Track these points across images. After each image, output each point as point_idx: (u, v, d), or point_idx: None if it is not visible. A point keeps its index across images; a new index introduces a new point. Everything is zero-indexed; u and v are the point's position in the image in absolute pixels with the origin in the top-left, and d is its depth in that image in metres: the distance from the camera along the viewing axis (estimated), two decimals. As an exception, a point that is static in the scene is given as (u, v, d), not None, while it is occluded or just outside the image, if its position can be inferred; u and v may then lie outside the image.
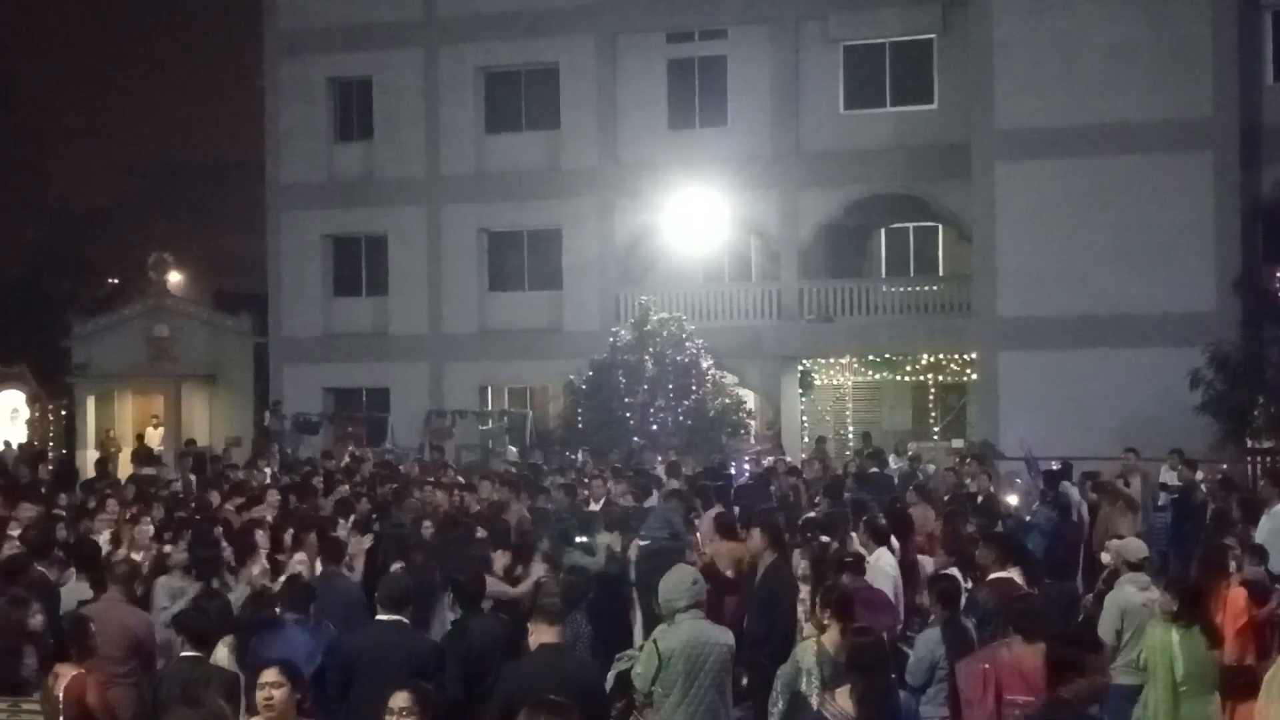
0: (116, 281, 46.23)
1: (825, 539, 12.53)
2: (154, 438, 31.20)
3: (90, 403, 33.45)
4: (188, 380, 33.35)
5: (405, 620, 8.90)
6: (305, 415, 29.81)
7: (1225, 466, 20.83)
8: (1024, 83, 25.69)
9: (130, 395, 34.03)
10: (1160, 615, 9.03)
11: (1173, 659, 8.69)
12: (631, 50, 30.16)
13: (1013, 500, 16.56)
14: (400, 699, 6.40)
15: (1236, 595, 9.80)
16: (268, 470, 20.30)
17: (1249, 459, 22.16)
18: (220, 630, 8.70)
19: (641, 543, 12.65)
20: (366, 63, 31.47)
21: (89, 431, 32.95)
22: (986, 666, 8.29)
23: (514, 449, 24.52)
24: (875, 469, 19.81)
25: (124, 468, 26.34)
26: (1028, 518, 15.35)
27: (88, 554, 11.25)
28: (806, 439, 28.55)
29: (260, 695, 6.83)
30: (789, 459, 22.43)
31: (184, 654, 8.29)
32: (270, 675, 6.86)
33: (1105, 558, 10.87)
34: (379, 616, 8.97)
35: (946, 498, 16.01)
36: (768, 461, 21.96)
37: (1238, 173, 24.97)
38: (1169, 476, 18.72)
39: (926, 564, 12.62)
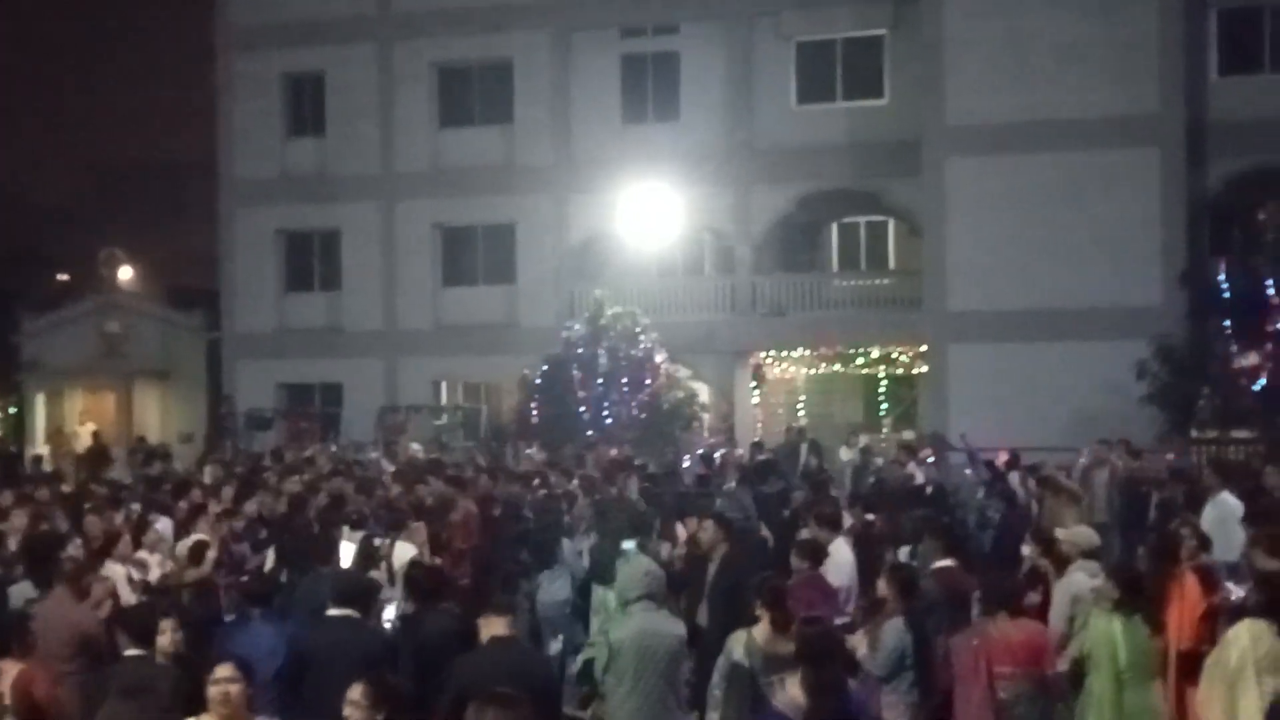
0: (67, 277, 45.70)
1: (869, 517, 13.05)
2: (86, 435, 30.86)
3: (40, 400, 33.16)
4: (140, 377, 33.15)
5: (357, 615, 8.92)
6: (258, 411, 29.70)
7: (1171, 456, 21.13)
8: (974, 79, 25.93)
9: (81, 392, 33.78)
10: (1103, 603, 9.15)
11: (1115, 647, 8.78)
12: (585, 45, 30.20)
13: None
14: (357, 691, 6.43)
15: (1192, 583, 9.91)
16: (208, 470, 20.09)
17: (1194, 449, 22.48)
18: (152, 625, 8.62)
19: None
20: (320, 58, 31.34)
21: (38, 428, 32.67)
22: (976, 643, 8.67)
23: (417, 445, 24.53)
24: (767, 458, 20.08)
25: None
26: (990, 513, 15.51)
27: (36, 552, 11.16)
28: (760, 432, 28.73)
29: (215, 690, 6.78)
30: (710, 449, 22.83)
31: (128, 652, 8.19)
32: (225, 671, 6.82)
33: (1026, 550, 10.97)
34: (330, 612, 8.97)
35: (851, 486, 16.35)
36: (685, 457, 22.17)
37: (1184, 168, 25.32)
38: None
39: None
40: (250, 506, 14.54)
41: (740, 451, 22.51)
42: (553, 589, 11.97)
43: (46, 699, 8.02)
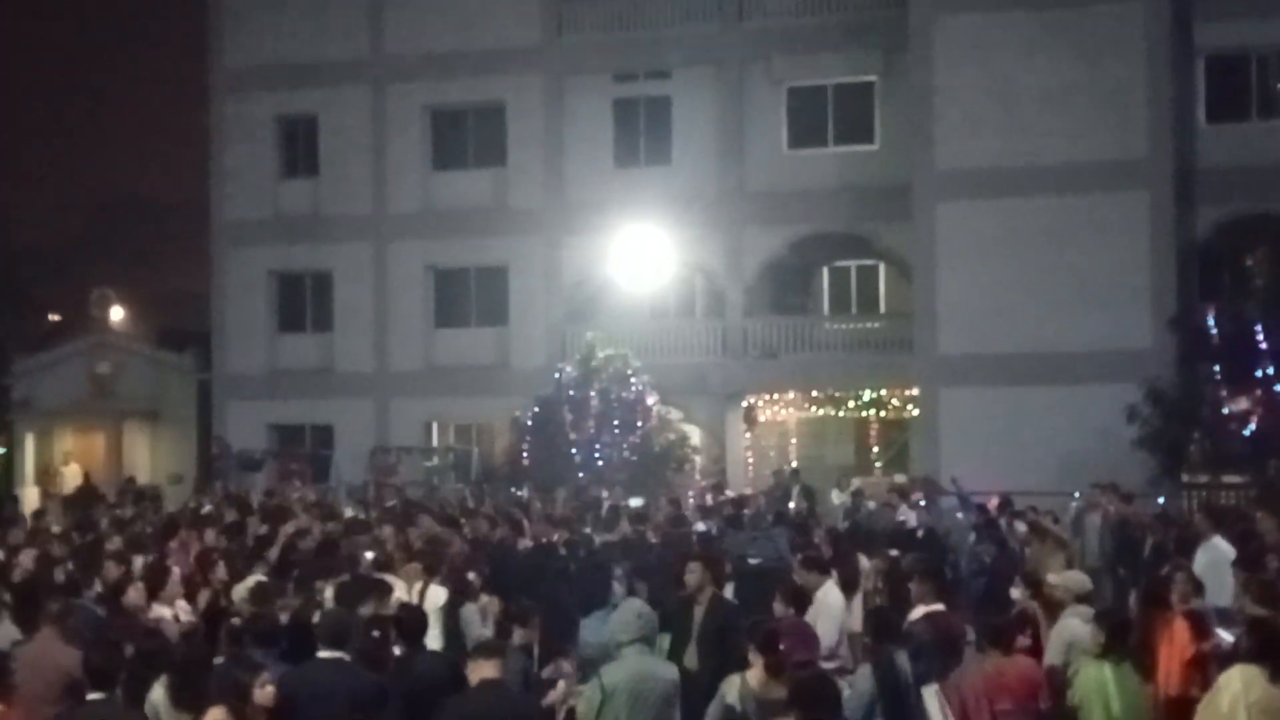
0: (58, 318, 45.69)
1: (894, 552, 13.08)
2: (70, 476, 30.65)
3: (30, 440, 33.04)
4: (130, 417, 33.05)
5: (346, 657, 8.85)
6: (248, 452, 29.62)
7: (1162, 500, 21.14)
8: (963, 124, 26.11)
9: (71, 432, 33.66)
10: (1091, 651, 9.12)
11: (1107, 696, 8.75)
12: (578, 89, 30.38)
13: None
14: None
15: (1181, 628, 9.89)
16: (198, 506, 20.00)
17: (1185, 493, 22.51)
18: (141, 670, 8.53)
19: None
20: (313, 100, 31.48)
21: (28, 469, 32.53)
22: (975, 681, 8.78)
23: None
24: (726, 500, 20.12)
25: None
26: (984, 557, 15.49)
27: (20, 594, 11.06)
28: (751, 474, 28.69)
29: None
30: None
31: (91, 696, 7.98)
32: (218, 715, 6.72)
33: (1015, 593, 10.96)
34: (320, 654, 8.89)
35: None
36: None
37: (1173, 213, 25.47)
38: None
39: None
40: (274, 552, 14.39)
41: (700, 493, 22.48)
42: (602, 630, 11.80)
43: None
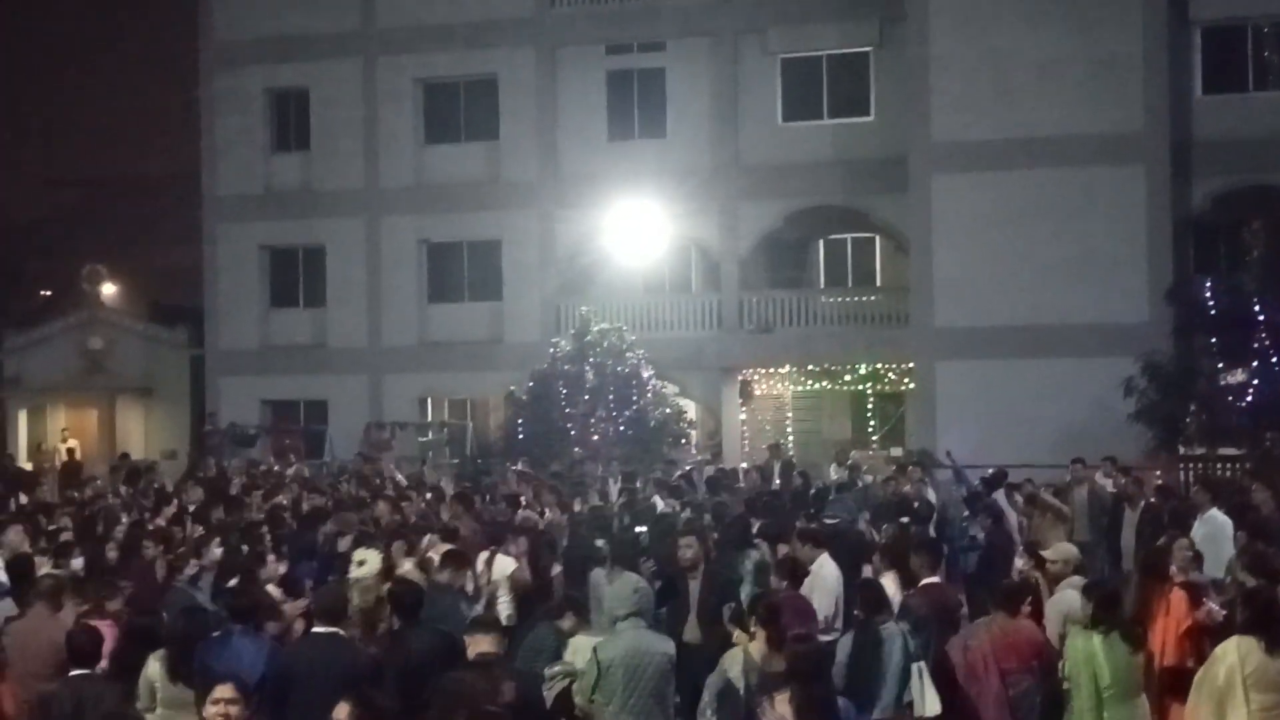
0: (49, 294, 45.56)
1: (904, 520, 13.71)
2: (65, 451, 30.63)
3: (22, 416, 32.97)
4: (122, 393, 32.99)
5: (341, 632, 8.83)
6: (242, 427, 29.55)
7: (1158, 473, 21.11)
8: (959, 97, 25.98)
9: (63, 408, 33.60)
10: (1080, 621, 9.14)
11: (1096, 666, 8.77)
12: (571, 62, 30.20)
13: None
14: (343, 710, 6.36)
15: (1178, 599, 9.87)
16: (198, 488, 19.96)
17: (1181, 466, 22.50)
18: (133, 645, 8.54)
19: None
20: (304, 74, 31.30)
21: (20, 445, 32.46)
22: (980, 644, 9.02)
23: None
24: (720, 472, 20.36)
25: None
26: (972, 531, 15.47)
27: (16, 571, 11.07)
28: (747, 448, 28.66)
29: (214, 710, 6.73)
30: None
31: (73, 672, 8.09)
32: (226, 692, 6.76)
33: (1019, 563, 10.99)
34: (315, 629, 8.88)
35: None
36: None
37: (1169, 185, 25.37)
38: (1104, 483, 18.90)
39: None
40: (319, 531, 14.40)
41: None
42: None
43: (14, 716, 7.98)
